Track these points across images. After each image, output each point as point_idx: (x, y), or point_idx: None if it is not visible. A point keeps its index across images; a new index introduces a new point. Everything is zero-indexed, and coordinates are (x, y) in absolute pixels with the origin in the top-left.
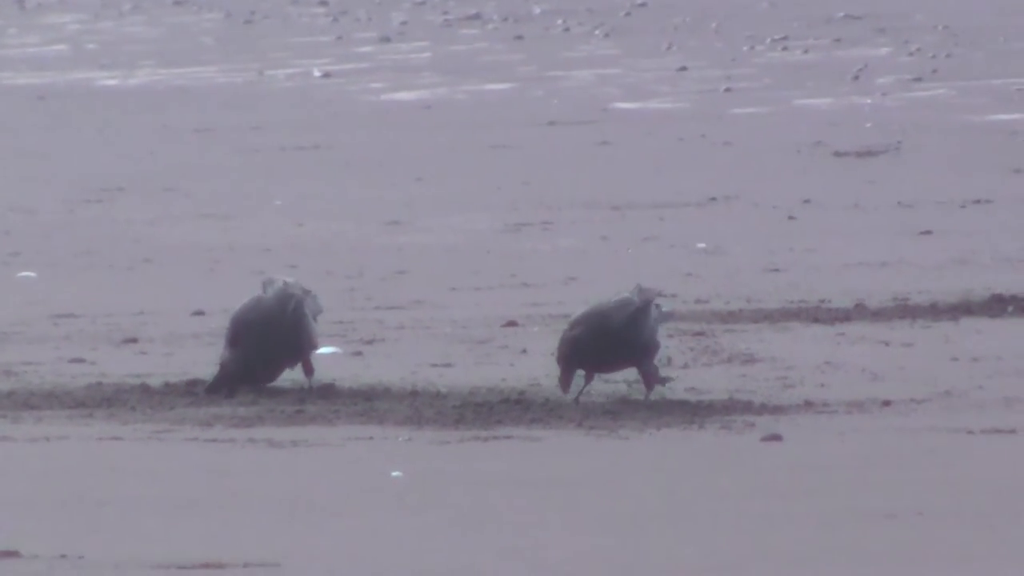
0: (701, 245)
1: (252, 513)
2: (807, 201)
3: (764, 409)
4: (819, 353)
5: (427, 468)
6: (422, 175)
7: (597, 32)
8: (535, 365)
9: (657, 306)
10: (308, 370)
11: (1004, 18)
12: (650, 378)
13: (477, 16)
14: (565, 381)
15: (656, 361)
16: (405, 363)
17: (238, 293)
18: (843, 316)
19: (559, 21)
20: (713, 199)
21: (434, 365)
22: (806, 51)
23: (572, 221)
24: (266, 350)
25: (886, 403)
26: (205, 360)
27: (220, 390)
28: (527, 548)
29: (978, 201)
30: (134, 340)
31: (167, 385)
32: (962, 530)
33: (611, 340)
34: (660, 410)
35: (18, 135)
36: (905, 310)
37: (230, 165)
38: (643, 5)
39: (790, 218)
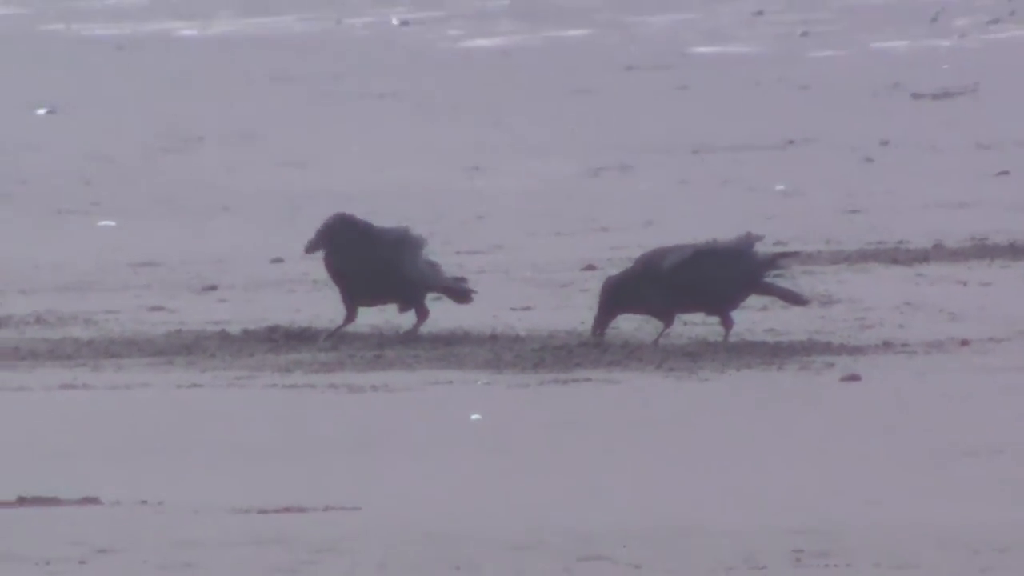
0: (780, 188)
1: (332, 457)
2: (885, 143)
3: (843, 350)
4: (898, 293)
5: (506, 411)
6: (500, 121)
7: None
8: None
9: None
10: (420, 315)
11: None
12: (729, 321)
13: None
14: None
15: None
16: (484, 307)
17: None
18: (921, 256)
19: None
20: (791, 142)
21: (513, 309)
22: None
23: (650, 165)
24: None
25: (965, 342)
26: (285, 307)
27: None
28: (606, 490)
29: None
30: (214, 287)
31: (247, 332)
32: None
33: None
34: (740, 351)
35: (98, 85)
36: (983, 250)
37: (308, 113)
38: None
39: (868, 160)
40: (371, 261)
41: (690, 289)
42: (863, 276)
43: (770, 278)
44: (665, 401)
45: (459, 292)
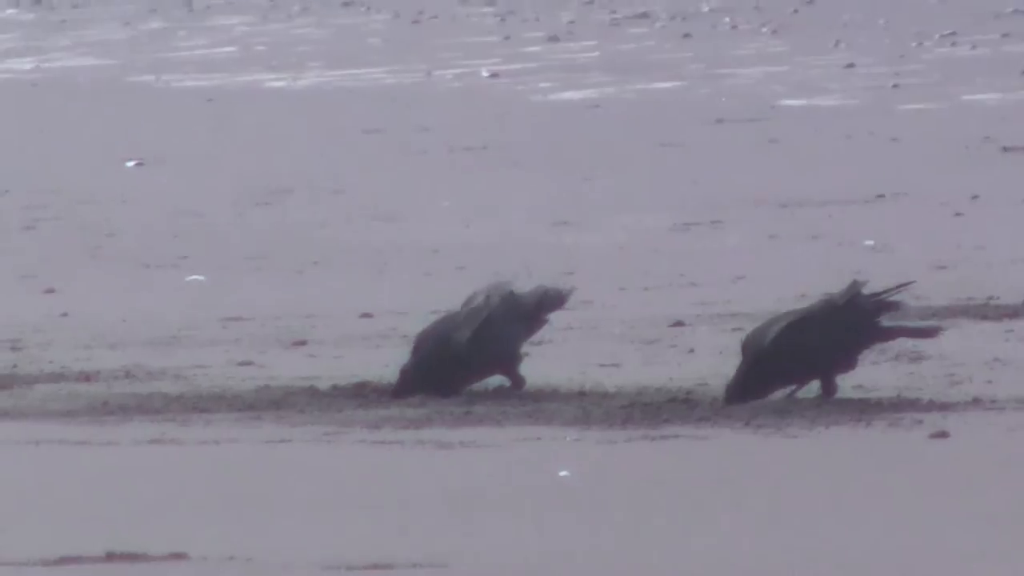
0: (869, 242)
1: (420, 514)
2: (975, 197)
3: (932, 406)
4: (987, 350)
5: (595, 468)
6: (590, 174)
7: (764, 29)
8: (703, 364)
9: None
10: (514, 383)
11: None
12: (831, 387)
13: (645, 15)
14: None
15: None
16: (573, 363)
17: (407, 294)
18: (1012, 312)
19: (726, 19)
20: (881, 196)
21: (602, 365)
22: (974, 46)
23: (740, 219)
24: (441, 363)
25: None
26: (374, 362)
27: (402, 394)
28: (696, 548)
29: None
30: (303, 342)
31: (335, 387)
32: None
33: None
34: (828, 408)
35: (187, 138)
36: None
37: (398, 166)
38: (811, 2)
39: (957, 214)
40: (456, 367)
41: (798, 358)
42: (952, 332)
43: (887, 322)
44: (754, 458)
45: (555, 302)
